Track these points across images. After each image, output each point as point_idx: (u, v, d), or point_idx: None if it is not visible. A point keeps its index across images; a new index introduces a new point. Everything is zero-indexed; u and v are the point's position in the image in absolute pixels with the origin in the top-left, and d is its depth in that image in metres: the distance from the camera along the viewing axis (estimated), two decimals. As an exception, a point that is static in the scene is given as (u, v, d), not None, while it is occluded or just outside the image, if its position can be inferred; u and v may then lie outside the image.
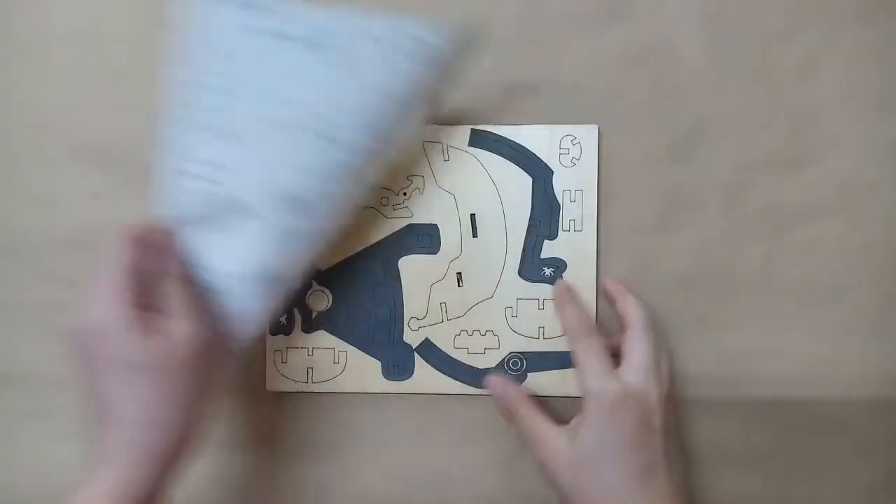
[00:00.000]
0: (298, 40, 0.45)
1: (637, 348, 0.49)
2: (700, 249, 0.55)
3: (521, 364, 0.54)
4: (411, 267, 0.55)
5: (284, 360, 0.55)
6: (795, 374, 0.55)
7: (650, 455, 0.46)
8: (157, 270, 0.45)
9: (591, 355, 0.47)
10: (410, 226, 0.55)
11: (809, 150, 0.55)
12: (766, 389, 0.55)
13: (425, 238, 0.55)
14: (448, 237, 0.55)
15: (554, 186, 0.54)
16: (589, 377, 0.47)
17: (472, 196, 0.55)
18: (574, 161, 0.54)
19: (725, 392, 0.55)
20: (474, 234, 0.54)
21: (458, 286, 0.54)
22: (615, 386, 0.46)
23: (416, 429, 0.56)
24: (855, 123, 0.55)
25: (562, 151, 0.54)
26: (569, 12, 0.55)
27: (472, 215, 0.54)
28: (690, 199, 0.55)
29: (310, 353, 0.55)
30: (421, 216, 0.55)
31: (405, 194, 0.55)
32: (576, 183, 0.54)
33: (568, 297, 0.51)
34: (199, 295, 0.46)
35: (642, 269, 0.55)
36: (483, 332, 0.55)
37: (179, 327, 0.43)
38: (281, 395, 0.55)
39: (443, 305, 0.55)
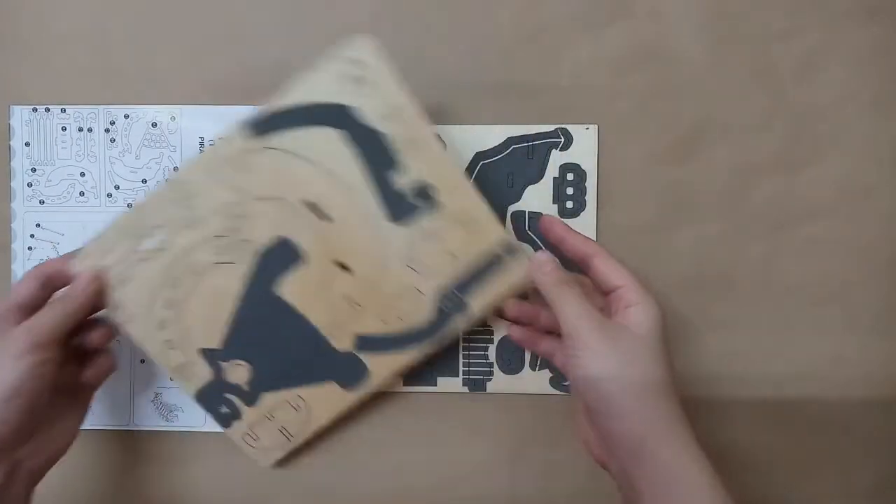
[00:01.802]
0: None
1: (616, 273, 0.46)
2: (700, 249, 0.55)
3: (458, 295, 0.50)
4: (291, 287, 0.51)
5: (256, 437, 0.53)
6: (795, 374, 0.55)
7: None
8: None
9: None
10: (263, 252, 0.50)
11: (809, 150, 0.55)
12: (766, 389, 0.55)
13: (284, 253, 0.50)
14: (304, 239, 0.50)
15: (360, 117, 0.49)
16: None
17: (299, 185, 0.50)
18: (360, 81, 0.49)
19: (726, 392, 0.55)
20: (328, 219, 0.50)
21: (348, 272, 0.51)
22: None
23: (416, 429, 0.56)
24: (855, 123, 0.55)
25: (349, 80, 0.49)
26: (569, 12, 0.55)
27: (312, 204, 0.50)
28: (690, 199, 0.55)
29: (270, 417, 0.53)
30: (263, 237, 0.50)
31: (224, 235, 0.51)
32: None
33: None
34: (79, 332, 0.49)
35: (642, 269, 0.54)
36: (401, 294, 0.51)
37: (15, 348, 0.45)
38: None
39: (347, 297, 0.51)
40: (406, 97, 0.49)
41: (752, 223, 0.55)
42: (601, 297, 0.47)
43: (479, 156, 0.56)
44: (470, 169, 0.56)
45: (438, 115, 0.55)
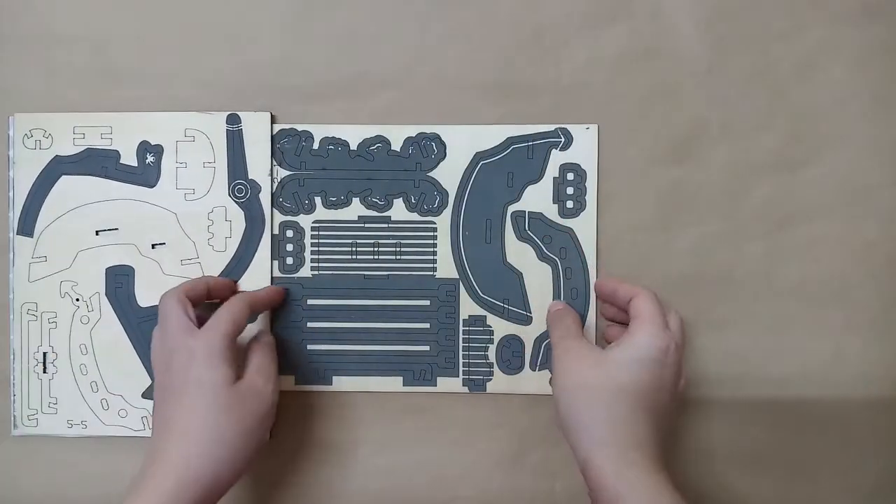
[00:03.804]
0: None
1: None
2: (700, 249, 0.55)
3: None
4: None
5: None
6: (795, 374, 0.55)
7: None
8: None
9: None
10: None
11: (809, 150, 0.55)
12: (766, 389, 0.55)
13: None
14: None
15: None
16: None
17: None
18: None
19: (725, 392, 0.55)
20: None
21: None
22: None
23: (415, 429, 0.55)
24: (855, 123, 0.55)
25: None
26: (569, 12, 0.55)
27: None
28: (690, 199, 0.55)
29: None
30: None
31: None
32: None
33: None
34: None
35: (642, 269, 0.55)
36: None
37: (266, 385, 0.48)
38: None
39: None
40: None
41: (752, 223, 0.55)
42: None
43: (479, 155, 0.55)
44: (470, 169, 0.56)
45: (439, 114, 0.55)
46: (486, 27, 0.56)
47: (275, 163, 0.55)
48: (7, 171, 0.55)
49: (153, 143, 0.56)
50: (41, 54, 0.56)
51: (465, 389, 0.55)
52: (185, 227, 0.56)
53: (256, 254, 0.56)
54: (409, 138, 0.56)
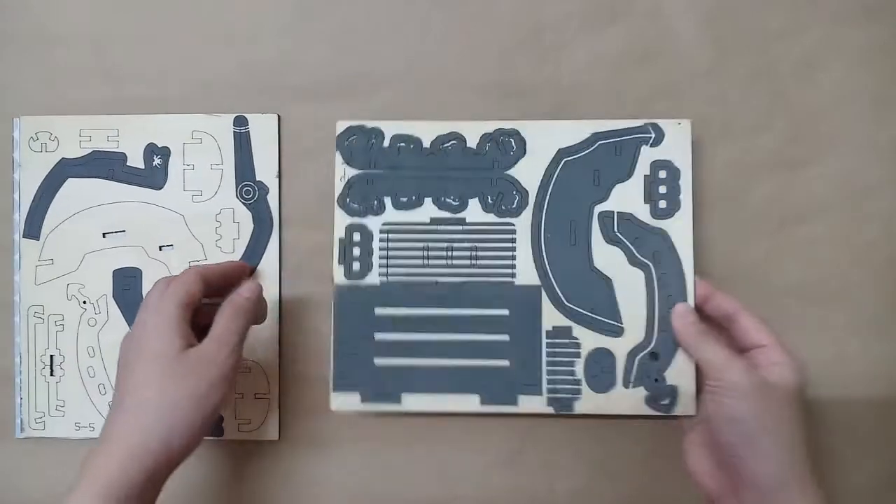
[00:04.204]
0: None
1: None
2: (700, 249, 0.55)
3: None
4: None
5: None
6: (795, 374, 0.55)
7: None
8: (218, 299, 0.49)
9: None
10: None
11: (809, 150, 0.55)
12: (766, 389, 0.55)
13: None
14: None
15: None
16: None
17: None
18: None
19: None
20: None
21: None
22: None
23: (416, 429, 0.56)
24: (855, 123, 0.55)
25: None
26: (568, 12, 0.55)
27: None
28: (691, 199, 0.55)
29: None
30: None
31: None
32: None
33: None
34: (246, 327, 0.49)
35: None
36: None
37: (220, 352, 0.46)
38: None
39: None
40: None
41: (752, 223, 0.55)
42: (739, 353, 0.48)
43: (562, 152, 0.53)
44: (552, 166, 0.53)
45: (438, 114, 0.55)
46: (486, 27, 0.56)
47: (342, 160, 0.53)
48: (12, 173, 0.56)
49: (160, 145, 0.56)
50: (42, 55, 0.57)
51: (550, 409, 0.51)
52: (193, 229, 0.56)
53: (265, 255, 0.56)
54: (485, 134, 0.52)
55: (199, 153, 0.56)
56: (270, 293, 0.55)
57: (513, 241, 0.52)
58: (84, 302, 0.56)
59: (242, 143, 0.56)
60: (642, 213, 0.52)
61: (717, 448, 0.47)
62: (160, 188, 0.56)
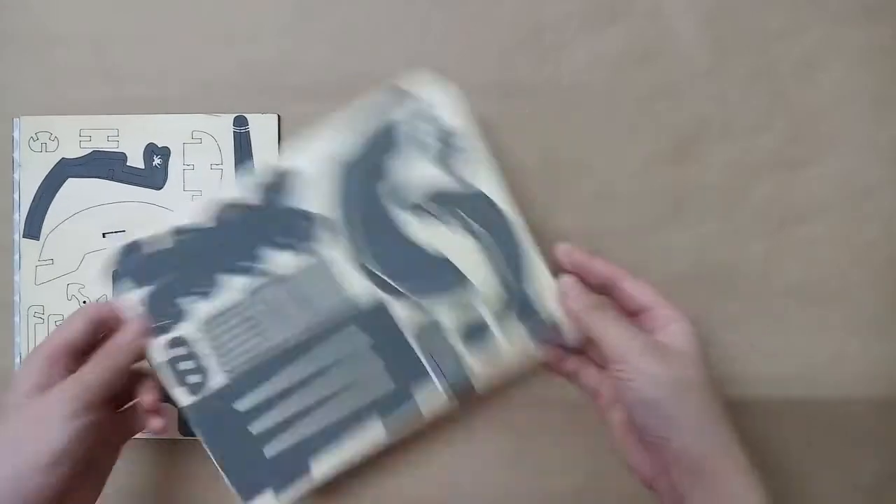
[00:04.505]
0: None
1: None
2: (700, 249, 0.55)
3: None
4: None
5: None
6: (796, 374, 0.55)
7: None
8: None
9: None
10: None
11: (809, 150, 0.55)
12: (766, 389, 0.55)
13: None
14: None
15: None
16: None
17: None
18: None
19: (726, 392, 0.55)
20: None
21: None
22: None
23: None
24: (855, 123, 0.55)
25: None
26: (568, 12, 0.55)
27: None
28: (691, 198, 0.55)
29: None
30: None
31: None
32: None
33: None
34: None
35: (642, 269, 0.55)
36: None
37: (59, 407, 0.42)
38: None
39: None
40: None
41: (752, 223, 0.55)
42: (627, 317, 0.47)
43: (333, 159, 0.50)
44: (328, 177, 0.50)
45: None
46: (486, 27, 0.56)
47: (133, 283, 0.49)
48: (12, 173, 0.56)
49: (160, 145, 0.56)
50: (42, 55, 0.57)
51: (449, 392, 0.50)
52: (192, 229, 0.56)
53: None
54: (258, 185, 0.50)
55: (199, 153, 0.56)
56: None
57: (328, 269, 0.49)
58: (84, 302, 0.56)
59: (242, 143, 0.56)
60: (444, 182, 0.50)
61: (638, 430, 0.45)
62: (160, 188, 0.56)
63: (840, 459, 0.55)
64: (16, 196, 0.56)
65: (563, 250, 0.48)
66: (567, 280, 0.48)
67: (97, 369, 0.44)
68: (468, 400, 0.51)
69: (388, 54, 0.56)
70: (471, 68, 0.56)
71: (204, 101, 0.56)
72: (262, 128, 0.56)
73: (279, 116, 0.56)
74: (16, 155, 0.56)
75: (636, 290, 0.47)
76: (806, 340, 0.55)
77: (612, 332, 0.44)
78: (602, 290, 0.48)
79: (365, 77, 0.56)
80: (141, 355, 0.48)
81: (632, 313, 0.47)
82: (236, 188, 0.50)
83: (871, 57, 0.55)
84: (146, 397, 0.48)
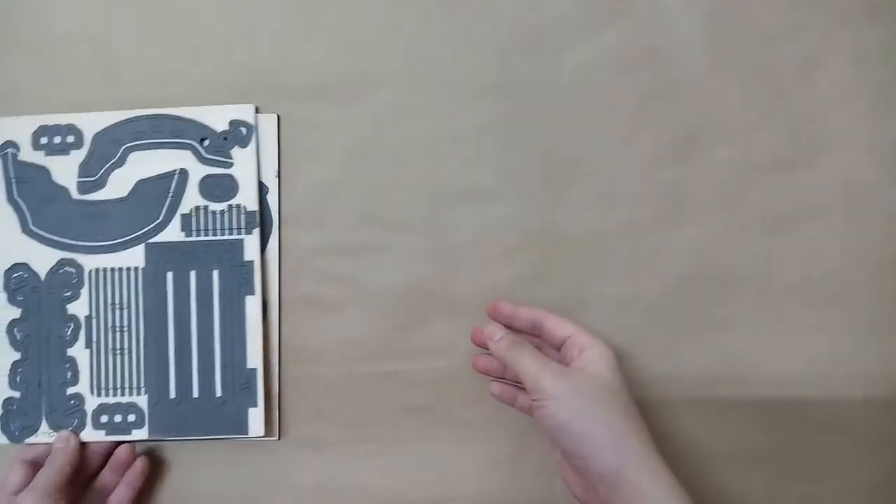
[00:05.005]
0: None
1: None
2: (700, 249, 0.55)
3: None
4: None
5: None
6: (795, 374, 0.55)
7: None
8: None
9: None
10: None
11: (809, 150, 0.55)
12: (766, 389, 0.55)
13: None
14: None
15: None
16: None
17: None
18: None
19: (725, 392, 0.55)
20: None
21: None
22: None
23: (416, 429, 0.56)
24: (855, 123, 0.55)
25: None
26: (568, 13, 0.55)
27: None
28: (690, 198, 0.55)
29: None
30: None
31: None
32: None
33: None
34: None
35: (642, 269, 0.55)
36: None
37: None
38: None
39: None
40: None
41: (752, 223, 0.55)
42: (555, 352, 0.51)
43: None
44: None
45: (438, 114, 0.55)
46: (486, 27, 0.56)
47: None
48: (13, 174, 0.56)
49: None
50: (42, 55, 0.56)
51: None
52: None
53: (265, 254, 0.56)
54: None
55: (199, 153, 0.56)
56: (271, 293, 0.55)
57: None
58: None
59: (242, 143, 0.56)
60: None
61: (564, 456, 0.48)
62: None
63: (840, 459, 0.54)
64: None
65: (491, 308, 0.54)
66: (490, 327, 0.51)
67: (42, 474, 0.51)
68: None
69: (388, 54, 0.56)
70: (471, 68, 0.56)
71: (204, 101, 0.56)
72: (262, 128, 0.56)
73: (279, 116, 0.56)
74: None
75: (556, 326, 0.50)
76: (806, 340, 0.54)
77: (526, 364, 0.48)
78: (532, 332, 0.52)
79: (365, 77, 0.56)
80: (74, 456, 0.53)
81: (557, 347, 0.51)
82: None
83: (871, 57, 0.55)
84: (120, 453, 0.54)
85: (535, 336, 0.52)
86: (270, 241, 0.56)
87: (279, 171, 0.56)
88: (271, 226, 0.56)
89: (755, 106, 0.55)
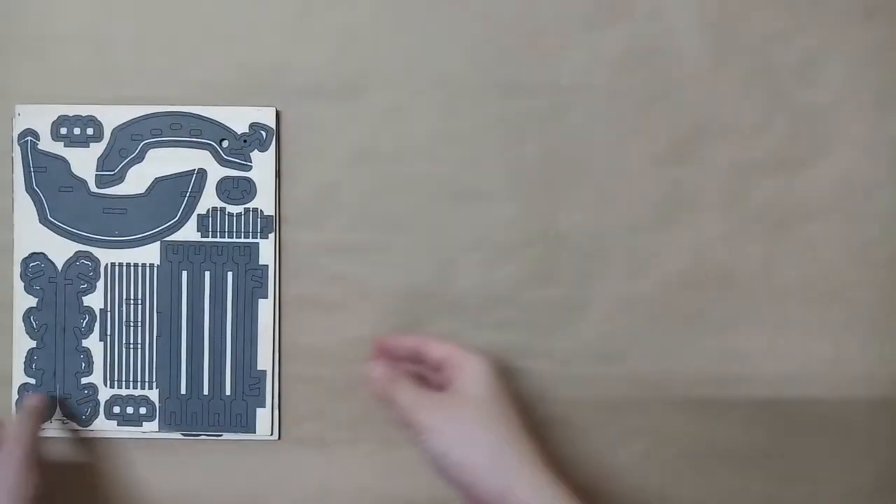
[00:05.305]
0: None
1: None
2: (700, 249, 0.55)
3: None
4: None
5: None
6: (795, 374, 0.55)
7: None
8: None
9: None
10: None
11: (809, 150, 0.55)
12: (766, 389, 0.55)
13: None
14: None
15: None
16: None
17: None
18: None
19: (725, 392, 0.55)
20: None
21: None
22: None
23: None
24: (855, 123, 0.55)
25: None
26: (569, 12, 0.55)
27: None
28: (690, 198, 0.55)
29: None
30: None
31: None
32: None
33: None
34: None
35: (642, 269, 0.55)
36: None
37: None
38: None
39: None
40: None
41: (752, 223, 0.55)
42: (438, 376, 0.50)
43: None
44: None
45: (439, 114, 0.55)
46: (486, 27, 0.56)
47: None
48: (12, 173, 0.56)
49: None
50: (42, 55, 0.56)
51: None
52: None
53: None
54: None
55: (199, 153, 0.56)
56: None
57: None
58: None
59: (242, 143, 0.56)
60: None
61: (452, 486, 0.47)
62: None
63: (840, 459, 0.55)
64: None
65: (375, 344, 0.53)
66: (371, 366, 0.51)
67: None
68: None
69: (388, 54, 0.56)
70: (471, 68, 0.56)
71: (204, 101, 0.56)
72: (261, 126, 0.56)
73: (278, 115, 0.56)
74: (16, 154, 0.56)
75: (433, 349, 0.50)
76: (806, 340, 0.55)
77: (401, 399, 0.47)
78: (415, 360, 0.51)
79: (365, 77, 0.56)
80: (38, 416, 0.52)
81: (437, 370, 0.50)
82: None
83: (871, 57, 0.55)
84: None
85: (419, 364, 0.52)
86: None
87: (279, 171, 0.56)
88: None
89: (755, 106, 0.55)
